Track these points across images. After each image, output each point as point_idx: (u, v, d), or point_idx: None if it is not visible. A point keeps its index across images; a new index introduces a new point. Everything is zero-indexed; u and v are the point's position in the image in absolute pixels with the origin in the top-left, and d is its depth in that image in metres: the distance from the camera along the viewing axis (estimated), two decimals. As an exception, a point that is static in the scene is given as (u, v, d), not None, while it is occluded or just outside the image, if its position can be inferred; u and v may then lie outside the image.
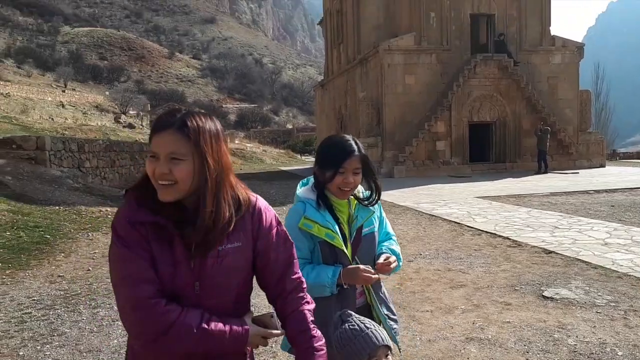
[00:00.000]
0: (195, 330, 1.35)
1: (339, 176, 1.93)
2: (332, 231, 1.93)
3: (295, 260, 1.61)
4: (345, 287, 1.94)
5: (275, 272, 1.56)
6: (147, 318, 1.34)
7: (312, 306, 1.60)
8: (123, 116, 51.39)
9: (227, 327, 1.40)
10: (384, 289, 2.17)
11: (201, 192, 1.38)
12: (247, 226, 1.50)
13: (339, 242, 1.93)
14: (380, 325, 1.95)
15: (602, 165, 22.04)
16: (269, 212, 1.58)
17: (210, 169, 1.39)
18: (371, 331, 1.59)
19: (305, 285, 1.62)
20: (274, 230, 1.57)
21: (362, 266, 1.94)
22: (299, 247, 1.87)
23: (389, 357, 1.59)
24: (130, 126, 39.34)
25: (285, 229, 1.64)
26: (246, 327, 1.45)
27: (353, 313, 1.69)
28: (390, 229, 2.21)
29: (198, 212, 1.38)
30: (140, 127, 43.90)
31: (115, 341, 4.01)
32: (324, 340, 1.55)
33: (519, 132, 21.21)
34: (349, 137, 2.02)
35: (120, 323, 4.37)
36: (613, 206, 10.28)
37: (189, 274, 1.40)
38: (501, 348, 3.67)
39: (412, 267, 5.97)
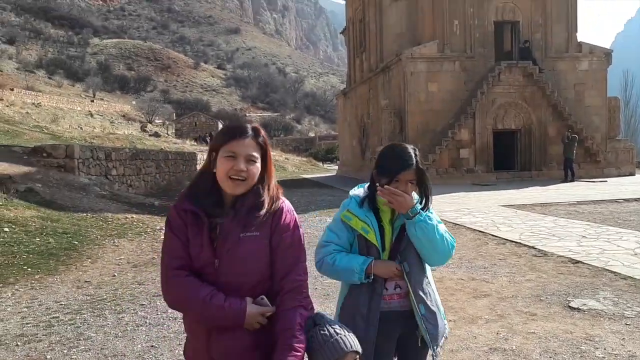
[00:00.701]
0: (200, 300, 1.66)
1: (393, 184, 2.03)
2: (368, 226, 2.06)
3: (301, 265, 1.78)
4: (374, 278, 2.04)
5: (280, 270, 1.75)
6: (168, 285, 1.73)
7: (306, 312, 1.74)
8: (149, 125, 52.41)
9: (227, 303, 1.67)
10: (428, 289, 2.13)
11: (265, 185, 1.76)
12: (267, 220, 1.74)
13: (372, 236, 2.05)
14: (417, 328, 2.05)
15: (632, 174, 21.44)
16: (290, 215, 1.79)
17: (272, 170, 1.80)
18: (340, 337, 1.68)
19: (305, 290, 1.78)
20: (289, 232, 1.77)
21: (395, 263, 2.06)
22: (339, 235, 2.12)
23: None
24: (156, 135, 40.02)
25: (301, 234, 1.82)
26: (244, 305, 1.68)
27: (326, 316, 1.78)
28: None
29: (234, 205, 1.72)
30: (166, 135, 44.64)
31: (139, 346, 4.06)
32: (304, 344, 1.68)
33: (544, 139, 20.83)
34: (411, 149, 2.09)
35: (144, 328, 4.46)
36: (643, 215, 9.99)
37: (211, 253, 1.69)
38: (526, 359, 3.59)
39: (435, 276, 5.86)
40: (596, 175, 20.42)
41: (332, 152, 48.12)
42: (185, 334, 4.50)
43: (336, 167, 35.60)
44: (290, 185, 21.19)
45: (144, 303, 5.19)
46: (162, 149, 21.84)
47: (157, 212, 11.24)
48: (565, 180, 18.66)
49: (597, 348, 3.73)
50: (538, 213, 10.82)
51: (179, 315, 4.75)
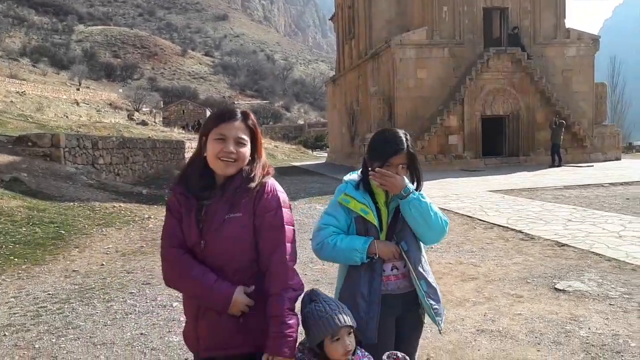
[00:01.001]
0: (191, 279, 1.73)
1: (384, 168, 2.07)
2: (367, 206, 2.09)
3: (285, 246, 1.76)
4: (375, 259, 2.07)
5: (263, 250, 1.77)
6: (164, 262, 1.82)
7: (294, 293, 1.75)
8: (136, 113, 51.80)
9: (216, 285, 1.72)
10: (426, 267, 2.19)
11: (255, 165, 1.80)
12: (250, 201, 1.76)
13: (371, 217, 2.09)
14: (420, 304, 2.12)
15: (618, 159, 21.71)
16: (273, 195, 1.79)
17: (262, 152, 1.85)
18: (335, 313, 1.76)
19: (292, 271, 1.77)
20: (272, 212, 1.77)
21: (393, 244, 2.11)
22: (337, 218, 2.14)
23: (352, 335, 1.79)
24: (144, 123, 39.54)
25: (285, 214, 1.80)
26: (232, 290, 1.72)
27: (321, 293, 1.85)
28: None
29: (224, 186, 1.76)
30: (153, 123, 44.21)
31: (129, 334, 4.06)
32: (295, 327, 1.72)
33: (532, 125, 20.96)
34: (402, 133, 2.15)
35: (133, 316, 4.46)
36: (628, 199, 10.13)
37: (198, 235, 1.76)
38: (512, 340, 3.65)
39: (423, 261, 5.95)
40: (583, 160, 20.63)
41: (322, 139, 48.08)
42: (174, 321, 4.50)
43: (325, 155, 35.58)
44: (279, 173, 21.06)
45: (133, 291, 5.18)
46: (149, 137, 21.61)
47: (145, 200, 11.17)
48: (552, 165, 18.83)
49: (582, 328, 3.80)
50: (525, 198, 10.92)
51: (169, 302, 4.77)
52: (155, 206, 10.38)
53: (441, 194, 12.07)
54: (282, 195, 1.83)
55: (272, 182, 1.83)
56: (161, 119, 56.87)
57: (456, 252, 6.38)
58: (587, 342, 3.55)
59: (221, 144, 1.74)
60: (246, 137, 1.78)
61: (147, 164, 16.68)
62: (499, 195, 11.43)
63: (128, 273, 5.87)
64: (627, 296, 4.42)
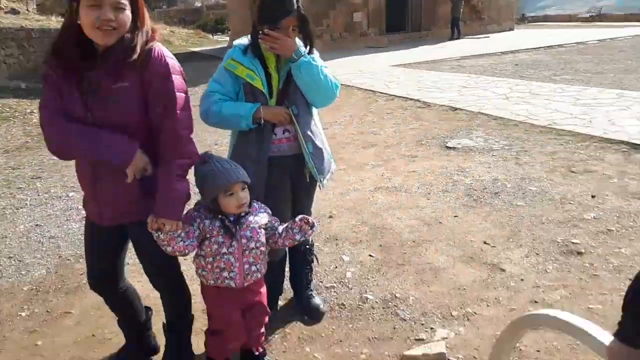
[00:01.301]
0: (87, 134, 1.62)
1: (275, 32, 1.96)
2: (254, 73, 2.02)
3: (176, 114, 1.67)
4: (262, 124, 2.02)
5: (153, 120, 1.67)
6: (50, 127, 1.65)
7: (186, 161, 1.72)
8: (3, 1, 44.84)
9: (117, 137, 1.63)
10: (315, 129, 2.17)
11: (138, 32, 1.61)
12: (136, 69, 1.61)
13: (258, 83, 2.02)
14: (306, 164, 2.15)
15: (512, 29, 22.71)
16: (161, 61, 1.66)
17: (145, 16, 1.65)
18: (227, 170, 1.77)
19: (185, 140, 1.71)
20: (160, 79, 1.65)
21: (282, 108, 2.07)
22: (223, 84, 2.06)
23: (246, 190, 1.82)
24: (14, 11, 34.38)
25: (175, 81, 1.69)
26: (135, 143, 1.65)
27: (214, 155, 1.84)
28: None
29: (106, 54, 1.59)
30: (26, 12, 38.63)
31: (22, 227, 3.86)
32: (182, 192, 1.71)
33: (434, 0, 20.99)
34: None
35: (25, 210, 4.20)
36: (517, 65, 10.79)
37: (83, 108, 1.62)
38: (406, 193, 3.93)
39: (327, 134, 6.02)
40: (480, 32, 21.35)
41: (222, 22, 45.16)
42: (71, 210, 4.28)
43: (227, 39, 33.69)
44: (178, 60, 19.84)
45: (21, 186, 4.83)
46: (22, 27, 18.94)
47: (26, 95, 10.08)
48: (452, 38, 19.33)
49: (467, 177, 4.16)
50: (425, 70, 11.23)
51: (64, 193, 4.53)
52: (38, 100, 9.39)
53: (346, 71, 12.04)
54: (172, 61, 1.68)
55: (159, 48, 1.66)
56: (35, 7, 49.81)
57: (358, 124, 6.53)
58: (471, 187, 3.91)
59: (96, 10, 1.52)
60: (125, 1, 1.56)
61: (24, 56, 14.84)
62: (401, 69, 11.65)
63: (14, 169, 5.42)
64: (508, 147, 4.86)
